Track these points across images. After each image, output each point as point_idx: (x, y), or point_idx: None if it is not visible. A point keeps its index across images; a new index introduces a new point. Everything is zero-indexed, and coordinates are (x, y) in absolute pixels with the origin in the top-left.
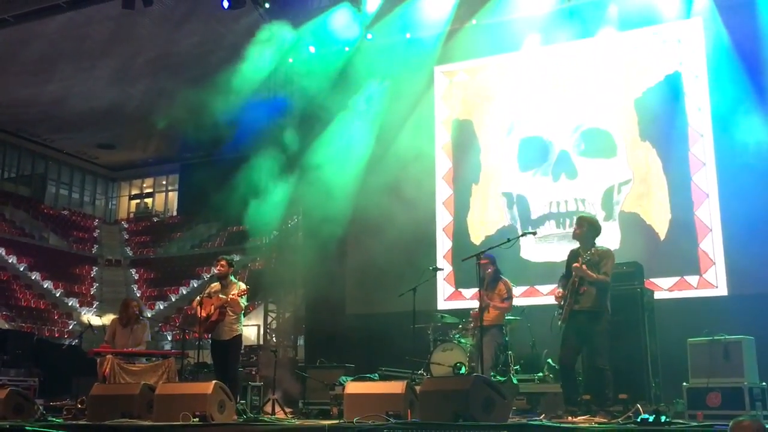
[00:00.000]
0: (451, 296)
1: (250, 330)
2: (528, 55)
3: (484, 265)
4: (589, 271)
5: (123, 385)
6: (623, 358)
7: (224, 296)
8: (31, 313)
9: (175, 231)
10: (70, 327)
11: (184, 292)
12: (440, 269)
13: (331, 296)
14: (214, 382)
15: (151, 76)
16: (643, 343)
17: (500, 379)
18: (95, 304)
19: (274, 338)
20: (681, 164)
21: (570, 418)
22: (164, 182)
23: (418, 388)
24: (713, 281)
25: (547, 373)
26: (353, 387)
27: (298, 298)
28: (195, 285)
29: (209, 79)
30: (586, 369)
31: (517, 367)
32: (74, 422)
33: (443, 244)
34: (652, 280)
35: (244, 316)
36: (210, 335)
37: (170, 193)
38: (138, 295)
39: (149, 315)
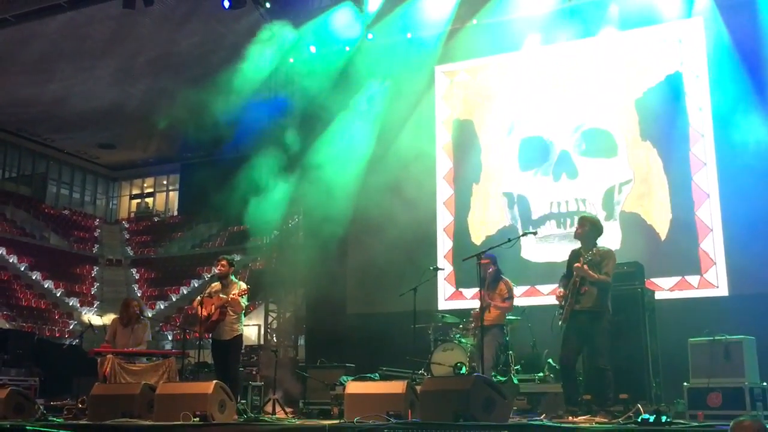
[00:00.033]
0: (451, 296)
1: (250, 330)
2: (529, 54)
3: (485, 265)
4: (590, 271)
5: (123, 384)
6: (624, 358)
7: (225, 296)
8: (32, 312)
9: (175, 231)
10: (71, 327)
11: (185, 292)
12: (441, 269)
13: (331, 296)
14: (214, 381)
15: (151, 75)
16: (644, 343)
17: (501, 379)
18: (96, 303)
19: (274, 338)
20: (682, 164)
21: (570, 418)
22: (165, 182)
23: (418, 388)
24: (714, 281)
25: (547, 373)
26: (354, 387)
27: (298, 298)
28: (196, 285)
29: (210, 79)
30: (587, 369)
31: (518, 367)
32: (75, 422)
33: (444, 244)
34: (652, 280)
35: (245, 316)
36: (211, 335)
37: (171, 193)
38: (139, 294)
39: (150, 315)
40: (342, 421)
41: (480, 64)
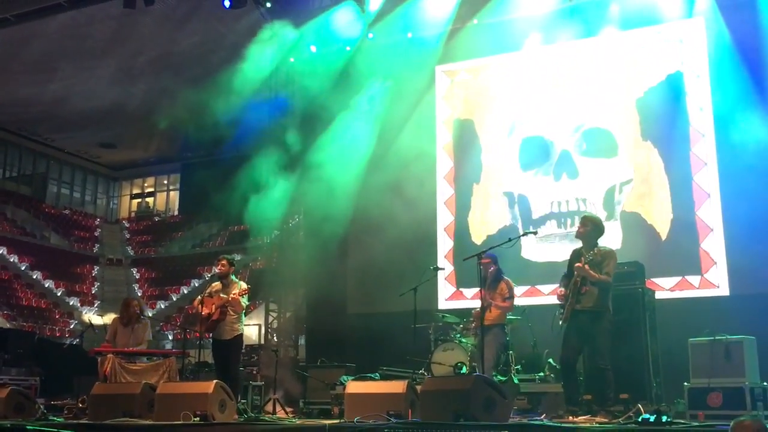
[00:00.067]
0: (452, 296)
1: (251, 329)
2: (529, 54)
3: (486, 265)
4: (591, 271)
5: (124, 384)
6: (624, 357)
7: (225, 295)
8: (32, 312)
9: (176, 230)
10: (71, 326)
11: (185, 292)
12: (441, 269)
13: (332, 296)
14: (215, 381)
15: (152, 75)
16: (645, 342)
17: (501, 378)
18: (96, 303)
19: (275, 338)
20: (682, 164)
21: (571, 417)
22: (165, 181)
23: (419, 387)
24: (714, 281)
25: (548, 373)
26: (354, 386)
27: (299, 298)
28: (196, 284)
29: (210, 79)
30: (588, 369)
31: (518, 366)
32: (75, 421)
33: (444, 244)
34: (653, 279)
35: (245, 316)
36: (211, 334)
37: (171, 193)
38: (139, 294)
39: (150, 314)
40: (342, 420)
41: (481, 64)
